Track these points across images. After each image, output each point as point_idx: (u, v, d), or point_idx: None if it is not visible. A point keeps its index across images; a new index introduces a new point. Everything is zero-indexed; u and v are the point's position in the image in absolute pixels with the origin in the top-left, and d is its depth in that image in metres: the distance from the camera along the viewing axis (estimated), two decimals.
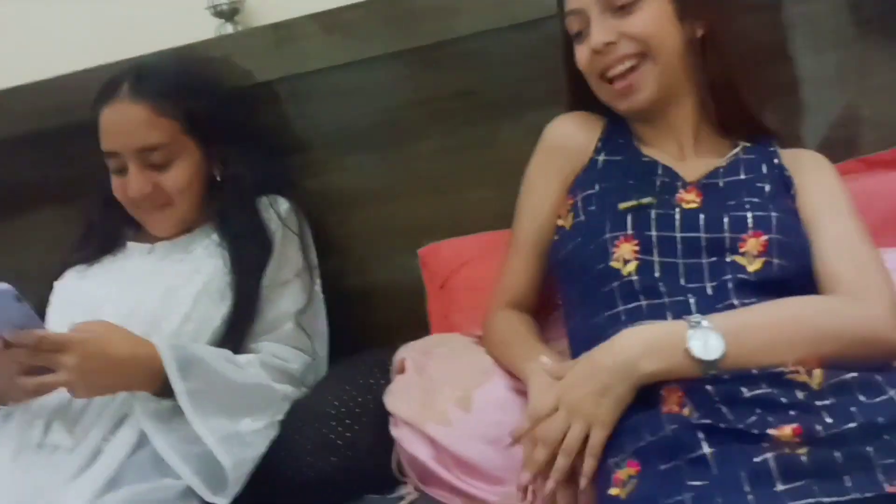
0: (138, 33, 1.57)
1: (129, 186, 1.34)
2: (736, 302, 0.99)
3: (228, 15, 1.53)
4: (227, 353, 1.26)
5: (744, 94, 1.18)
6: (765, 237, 1.03)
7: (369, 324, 1.53)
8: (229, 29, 1.53)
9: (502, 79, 1.46)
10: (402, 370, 1.16)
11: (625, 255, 1.05)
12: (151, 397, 1.18)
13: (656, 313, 1.00)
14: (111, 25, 1.61)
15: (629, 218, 1.07)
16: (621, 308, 1.02)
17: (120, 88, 1.34)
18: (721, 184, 1.12)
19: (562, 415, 0.94)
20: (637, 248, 1.05)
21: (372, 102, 1.50)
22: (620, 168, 1.16)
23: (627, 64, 1.11)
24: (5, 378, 1.12)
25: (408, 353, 1.15)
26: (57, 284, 1.42)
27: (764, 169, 1.14)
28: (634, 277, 1.03)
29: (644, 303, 1.01)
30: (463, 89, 1.47)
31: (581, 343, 1.06)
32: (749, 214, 1.06)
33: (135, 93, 1.34)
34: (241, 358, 1.27)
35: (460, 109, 1.48)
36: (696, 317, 0.94)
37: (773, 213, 1.06)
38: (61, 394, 1.17)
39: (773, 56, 1.40)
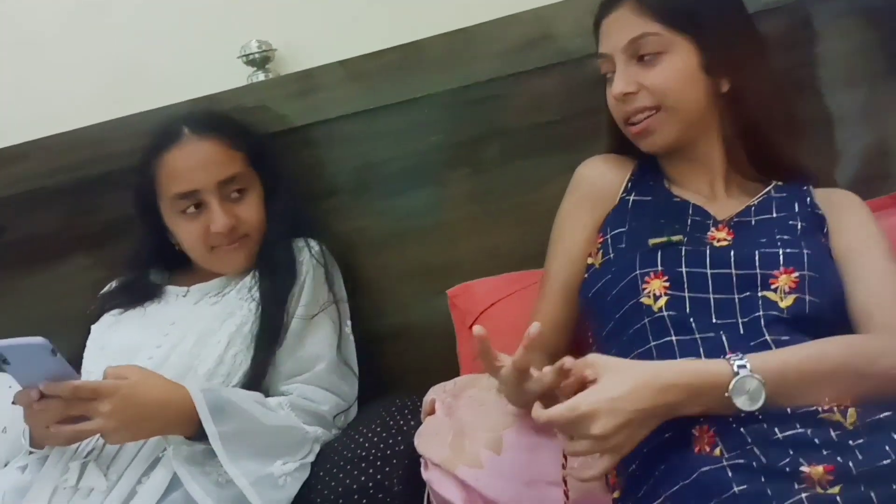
0: (172, 81, 1.61)
1: (214, 221, 1.35)
2: (769, 338, 0.98)
3: (260, 63, 1.57)
4: (258, 395, 1.27)
5: (773, 140, 1.18)
6: (796, 273, 1.03)
7: (400, 366, 1.54)
8: (261, 77, 1.57)
9: (526, 121, 1.48)
10: (432, 411, 1.16)
11: (655, 291, 1.05)
12: (184, 441, 1.19)
13: (688, 349, 0.99)
14: (144, 74, 1.65)
15: (659, 254, 1.07)
16: (652, 344, 1.02)
17: (180, 132, 1.38)
18: (752, 222, 1.12)
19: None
20: (667, 283, 1.05)
21: (399, 146, 1.53)
22: (651, 207, 1.17)
23: (645, 114, 1.14)
24: (41, 426, 1.14)
25: (438, 395, 1.16)
26: (94, 328, 1.45)
27: (796, 207, 1.14)
28: (665, 313, 1.03)
29: (675, 338, 1.01)
30: (488, 132, 1.49)
31: None
32: (780, 251, 1.05)
33: (199, 132, 1.38)
34: (272, 400, 1.28)
35: (486, 152, 1.50)
36: (737, 359, 0.92)
37: (805, 251, 1.05)
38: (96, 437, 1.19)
39: (802, 93, 1.40)
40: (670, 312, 1.03)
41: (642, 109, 1.13)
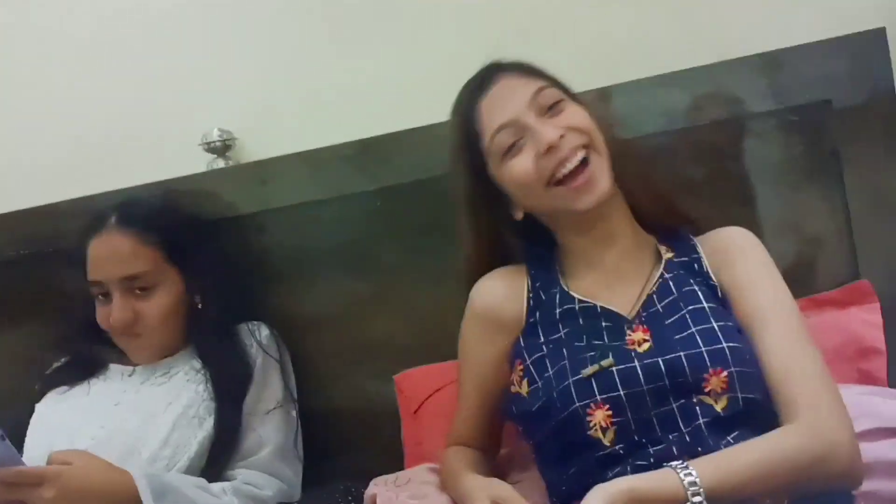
0: (134, 164, 1.66)
1: (112, 314, 1.39)
2: (711, 442, 1.01)
3: (220, 150, 1.62)
4: (201, 481, 1.28)
5: (656, 188, 1.21)
6: (724, 373, 1.03)
7: (343, 447, 1.55)
8: (221, 164, 1.62)
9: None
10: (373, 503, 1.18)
11: (601, 423, 1.04)
12: None
13: (641, 469, 1.00)
14: (107, 155, 1.70)
15: (594, 383, 1.06)
16: (609, 474, 1.02)
17: (108, 220, 1.42)
18: (660, 309, 1.11)
19: None
20: (610, 412, 1.04)
21: (349, 233, 1.57)
22: (563, 324, 1.14)
23: (580, 156, 1.11)
24: None
25: (379, 489, 1.18)
26: (38, 406, 1.45)
27: (692, 283, 1.13)
28: (617, 446, 1.03)
29: (630, 465, 1.02)
30: (435, 223, 1.52)
31: (565, 495, 1.08)
32: (703, 350, 1.05)
33: (121, 224, 1.41)
34: (215, 486, 1.29)
35: (433, 242, 1.54)
36: (687, 476, 0.93)
37: (727, 344, 1.05)
38: None
39: (735, 202, 1.48)
40: (621, 444, 1.03)
41: (576, 149, 1.11)
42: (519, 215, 1.19)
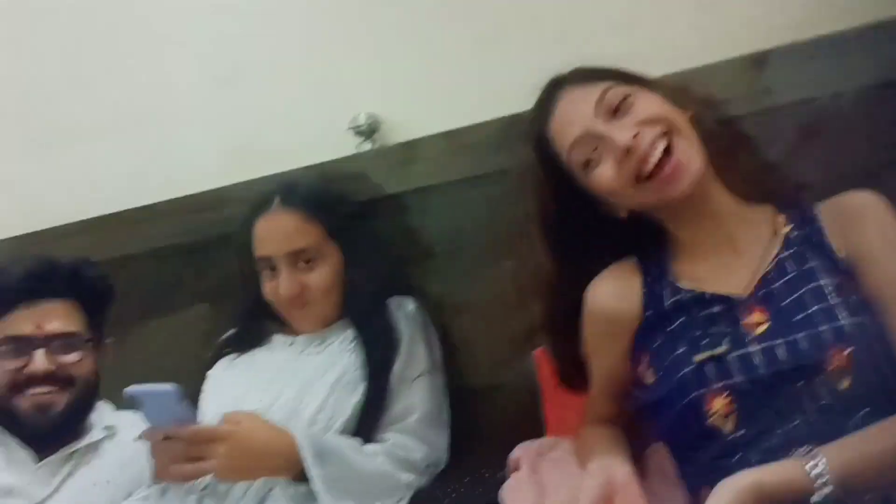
0: (289, 149, 1.76)
1: (281, 286, 1.49)
2: (838, 423, 0.97)
3: (367, 133, 1.70)
4: (356, 442, 1.37)
5: (755, 157, 1.17)
6: (847, 350, 0.99)
7: (486, 421, 1.59)
8: (368, 146, 1.70)
9: None
10: (516, 468, 1.23)
11: (720, 411, 1.03)
12: (289, 482, 1.30)
13: (766, 459, 0.98)
14: (262, 143, 1.81)
15: (710, 370, 1.04)
16: (733, 461, 1.01)
17: (273, 201, 1.53)
18: (778, 288, 1.08)
19: None
20: (729, 398, 1.03)
21: (489, 214, 1.60)
22: (675, 314, 1.12)
23: (661, 146, 1.08)
24: (164, 464, 1.27)
25: (523, 453, 1.22)
26: (210, 373, 1.59)
27: (812, 258, 1.09)
28: (738, 433, 1.02)
29: (754, 451, 1.01)
30: None
31: (695, 481, 1.07)
32: (824, 328, 1.01)
33: (286, 204, 1.52)
34: (369, 447, 1.38)
35: None
36: (813, 468, 0.91)
37: (847, 321, 1.01)
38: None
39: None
40: (741, 431, 1.02)
41: (656, 140, 1.08)
42: (623, 214, 1.17)
